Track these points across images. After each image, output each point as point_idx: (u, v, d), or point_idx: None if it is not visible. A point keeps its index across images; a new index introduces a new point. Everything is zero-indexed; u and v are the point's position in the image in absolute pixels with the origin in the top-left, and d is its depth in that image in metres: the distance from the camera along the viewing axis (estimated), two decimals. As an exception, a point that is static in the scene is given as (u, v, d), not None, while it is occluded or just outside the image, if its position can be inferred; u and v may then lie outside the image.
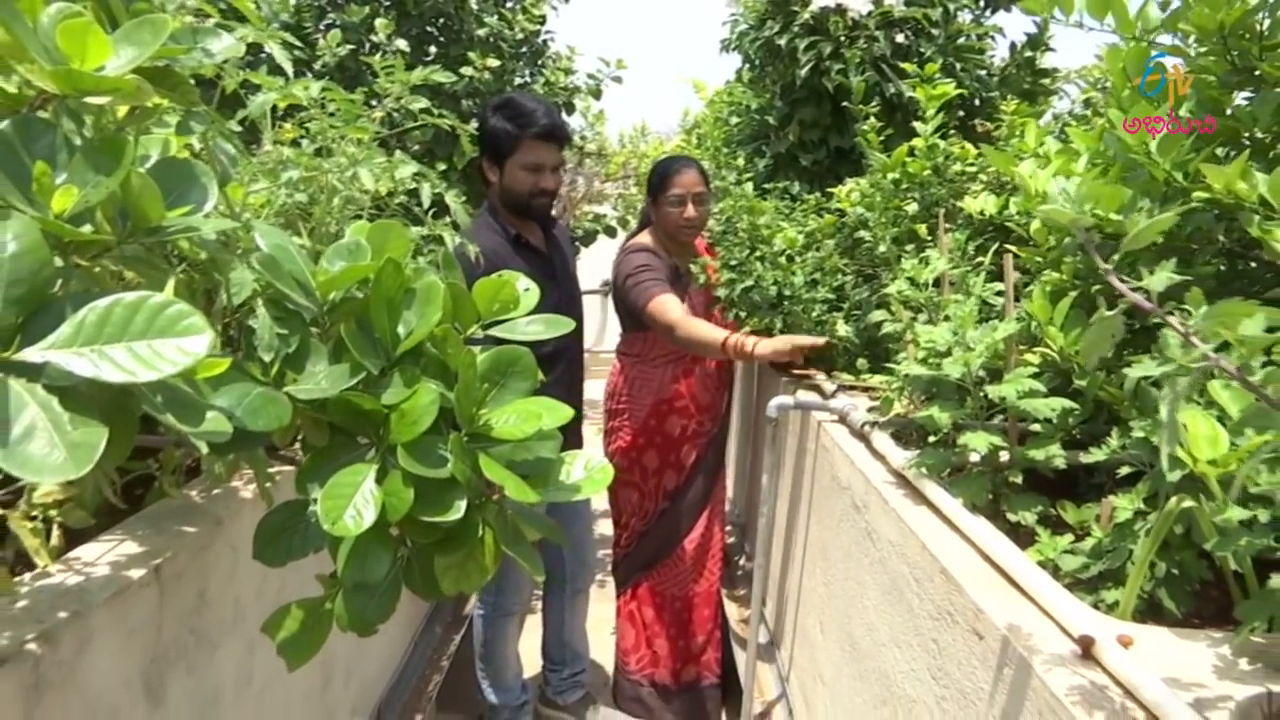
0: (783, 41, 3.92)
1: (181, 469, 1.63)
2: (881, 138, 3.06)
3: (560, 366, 2.66)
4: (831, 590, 2.09)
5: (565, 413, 1.17)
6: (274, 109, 1.79)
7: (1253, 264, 1.67)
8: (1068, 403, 1.56)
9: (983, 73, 4.06)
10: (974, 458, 1.67)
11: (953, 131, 3.94)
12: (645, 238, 3.11)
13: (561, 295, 2.66)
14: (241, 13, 1.56)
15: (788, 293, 2.73)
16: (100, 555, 1.29)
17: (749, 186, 2.79)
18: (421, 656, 2.76)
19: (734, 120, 4.32)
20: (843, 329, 2.70)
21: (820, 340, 2.52)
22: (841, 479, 2.03)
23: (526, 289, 1.38)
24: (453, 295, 1.23)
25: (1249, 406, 0.76)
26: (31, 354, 0.79)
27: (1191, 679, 1.02)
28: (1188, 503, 1.13)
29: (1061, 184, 1.31)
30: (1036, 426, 1.65)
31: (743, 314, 2.81)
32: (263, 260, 1.11)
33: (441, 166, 3.78)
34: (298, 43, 2.72)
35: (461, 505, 1.10)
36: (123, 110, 1.09)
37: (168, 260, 1.17)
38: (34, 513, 1.26)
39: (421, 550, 1.16)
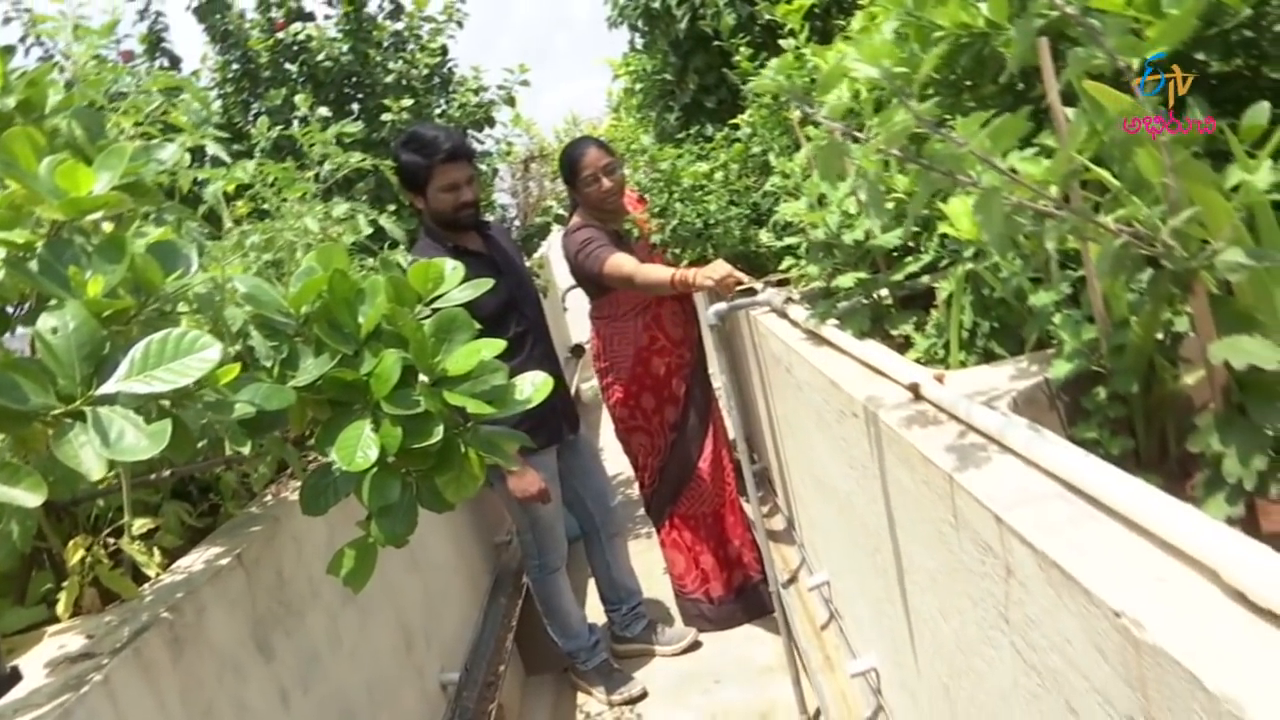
0: (657, 4, 4.26)
1: (237, 494, 2.01)
2: (757, 64, 3.38)
3: (530, 342, 3.02)
4: (800, 448, 2.45)
5: (497, 345, 1.53)
6: (226, 193, 2.16)
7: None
8: (908, 228, 1.90)
9: (848, -25, 4.38)
10: (862, 300, 2.02)
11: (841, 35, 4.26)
12: (579, 218, 3.48)
13: (511, 283, 3.01)
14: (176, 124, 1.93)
15: (711, 221, 3.08)
16: (193, 561, 1.66)
17: (645, 139, 3.14)
18: (494, 622, 3.14)
19: (639, 87, 4.66)
20: (765, 236, 3.04)
21: (744, 278, 2.83)
22: (776, 353, 2.38)
23: (454, 268, 1.73)
24: (394, 285, 1.59)
25: (917, 174, 1.10)
26: (107, 388, 1.16)
27: (990, 387, 1.36)
28: (969, 265, 1.48)
29: (845, 59, 1.66)
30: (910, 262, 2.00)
31: (678, 251, 3.16)
32: (245, 297, 1.48)
33: (392, 207, 4.16)
34: (228, 135, 3.08)
35: (439, 431, 1.46)
36: (108, 222, 1.46)
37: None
38: (135, 540, 1.64)
39: (423, 475, 1.52)
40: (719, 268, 2.82)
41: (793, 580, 2.96)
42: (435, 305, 1.67)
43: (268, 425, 1.39)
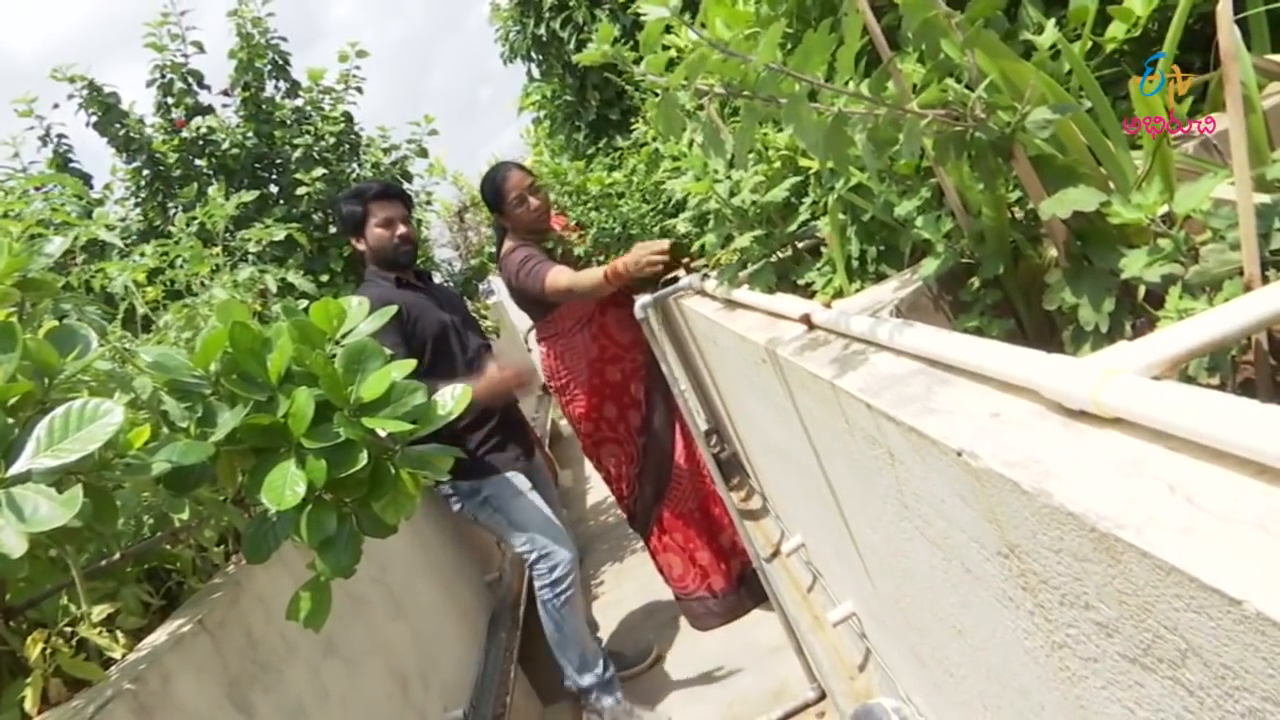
0: (542, 31, 4.34)
1: (199, 570, 2.02)
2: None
3: (476, 378, 3.04)
4: (745, 418, 2.49)
5: (407, 365, 1.56)
6: (136, 282, 2.19)
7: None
8: (792, 181, 1.95)
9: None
10: (769, 260, 2.07)
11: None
12: (511, 240, 3.50)
13: (456, 319, 3.06)
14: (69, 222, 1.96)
15: (627, 222, 3.13)
16: (158, 636, 1.67)
17: (546, 156, 3.20)
18: (496, 656, 3.14)
19: (543, 114, 4.73)
20: (682, 225, 3.09)
21: (664, 243, 2.90)
22: (705, 332, 2.42)
23: (359, 303, 1.76)
24: (298, 328, 1.62)
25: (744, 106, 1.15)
26: (18, 467, 1.19)
27: (876, 302, 1.41)
28: (837, 194, 1.53)
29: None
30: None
31: (602, 259, 3.21)
32: (152, 365, 1.51)
33: (325, 277, 4.22)
34: (148, 239, 3.11)
35: (363, 457, 1.49)
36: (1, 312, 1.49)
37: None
38: (97, 625, 1.65)
39: (360, 503, 1.55)
40: (637, 250, 2.85)
41: (775, 554, 2.99)
42: (344, 342, 1.70)
43: (192, 482, 1.42)
